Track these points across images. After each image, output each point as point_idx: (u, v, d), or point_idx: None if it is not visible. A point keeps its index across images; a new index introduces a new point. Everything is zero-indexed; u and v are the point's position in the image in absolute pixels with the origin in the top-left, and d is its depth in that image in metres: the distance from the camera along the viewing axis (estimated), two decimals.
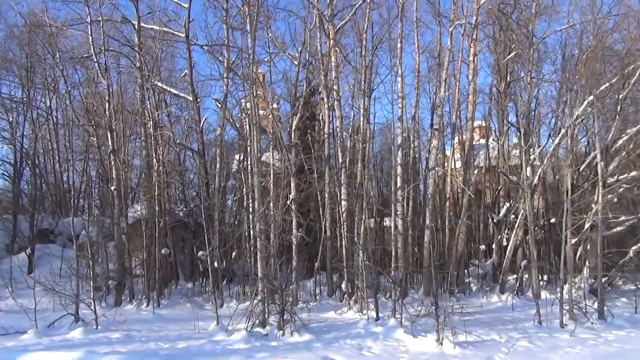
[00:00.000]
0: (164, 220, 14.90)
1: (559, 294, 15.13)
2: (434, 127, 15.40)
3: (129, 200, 18.08)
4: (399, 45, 15.23)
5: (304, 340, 7.27)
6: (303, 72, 18.90)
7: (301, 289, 15.36)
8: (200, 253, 16.28)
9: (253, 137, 8.94)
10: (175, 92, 20.61)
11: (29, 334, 8.02)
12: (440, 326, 6.95)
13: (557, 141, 14.89)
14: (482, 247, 19.46)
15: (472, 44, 15.97)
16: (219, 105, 20.48)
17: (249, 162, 12.07)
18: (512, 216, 18.92)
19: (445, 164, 19.25)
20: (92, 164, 24.03)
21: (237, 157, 22.47)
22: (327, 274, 15.46)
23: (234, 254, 16.84)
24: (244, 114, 21.45)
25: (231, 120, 18.37)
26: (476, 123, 18.88)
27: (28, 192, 22.19)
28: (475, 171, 16.54)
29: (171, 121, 20.92)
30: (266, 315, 8.05)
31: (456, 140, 20.08)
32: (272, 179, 14.31)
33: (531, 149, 15.39)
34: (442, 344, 6.83)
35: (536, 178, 15.29)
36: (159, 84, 18.31)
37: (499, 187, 20.68)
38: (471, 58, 16.04)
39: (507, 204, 19.01)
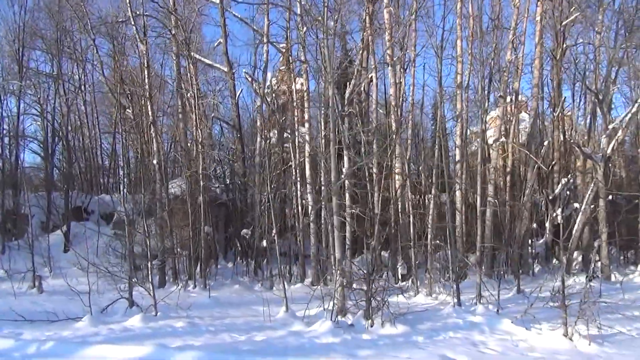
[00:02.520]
0: (204, 196, 14.00)
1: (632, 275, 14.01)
2: (498, 94, 14.08)
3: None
4: (459, 4, 13.81)
5: (400, 332, 6.28)
6: (339, 41, 17.65)
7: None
8: (243, 231, 15.47)
9: (328, 95, 7.80)
10: (209, 62, 19.59)
11: (83, 321, 7.21)
12: (575, 318, 5.88)
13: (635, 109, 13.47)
14: (534, 225, 18.23)
15: (539, 2, 14.50)
16: (249, 79, 19.41)
17: (327, 127, 10.84)
18: (568, 192, 17.60)
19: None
20: (120, 138, 23.37)
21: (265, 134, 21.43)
22: (376, 254, 14.47)
23: (273, 232, 15.90)
24: (275, 86, 20.33)
25: (262, 94, 17.20)
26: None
27: (60, 168, 21.64)
28: (546, 142, 15.18)
29: (200, 94, 19.95)
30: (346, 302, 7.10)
31: (495, 113, 18.44)
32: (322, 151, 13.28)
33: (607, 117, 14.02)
34: (572, 340, 5.78)
35: (609, 149, 13.95)
36: (193, 54, 17.22)
37: (553, 162, 19.30)
38: (538, 18, 14.56)
39: (564, 180, 17.68)
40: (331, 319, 6.65)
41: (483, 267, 14.17)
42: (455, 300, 8.41)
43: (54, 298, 10.30)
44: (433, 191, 10.79)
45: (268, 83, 17.38)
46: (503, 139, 14.02)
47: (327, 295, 7.72)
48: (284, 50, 17.67)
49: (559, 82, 18.17)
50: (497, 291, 7.81)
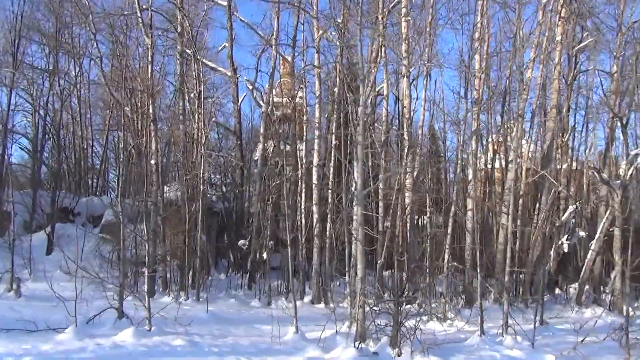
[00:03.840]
0: (201, 202, 13.19)
1: None
2: (517, 112, 13.52)
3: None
4: (479, 18, 13.31)
5: None
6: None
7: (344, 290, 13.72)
8: (240, 242, 14.63)
9: (365, 93, 7.08)
10: (213, 65, 18.94)
11: (67, 333, 6.32)
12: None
13: None
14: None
15: (559, 22, 14.10)
16: (250, 88, 18.84)
17: (351, 127, 10.10)
18: (573, 220, 17.08)
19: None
20: (115, 137, 22.55)
21: (260, 146, 20.73)
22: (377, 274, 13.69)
23: (270, 244, 15.09)
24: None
25: (268, 100, 16.50)
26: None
27: (48, 166, 20.68)
28: (565, 165, 14.65)
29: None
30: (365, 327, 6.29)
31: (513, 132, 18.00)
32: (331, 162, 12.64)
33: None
34: None
35: (628, 175, 13.45)
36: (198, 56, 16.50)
37: (558, 189, 18.79)
38: (558, 38, 14.15)
39: (572, 207, 17.15)
40: (354, 346, 5.83)
41: (493, 294, 13.51)
42: (479, 329, 7.64)
43: (34, 304, 9.37)
44: (453, 209, 10.07)
45: (265, 96, 16.75)
46: (519, 159, 13.44)
47: (341, 317, 6.97)
48: (289, 57, 17.12)
49: (568, 108, 17.78)
50: (534, 322, 7.08)
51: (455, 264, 9.61)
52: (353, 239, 6.86)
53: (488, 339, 7.30)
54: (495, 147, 16.39)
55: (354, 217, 6.64)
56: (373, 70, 13.79)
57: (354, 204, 6.64)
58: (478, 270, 8.01)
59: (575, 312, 11.92)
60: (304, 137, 13.76)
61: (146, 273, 7.49)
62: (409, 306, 11.30)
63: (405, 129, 13.11)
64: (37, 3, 19.11)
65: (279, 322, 7.29)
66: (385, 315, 6.23)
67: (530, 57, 13.38)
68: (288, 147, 16.61)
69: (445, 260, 9.72)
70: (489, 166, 17.58)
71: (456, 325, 9.08)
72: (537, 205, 14.37)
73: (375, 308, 6.31)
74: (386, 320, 6.42)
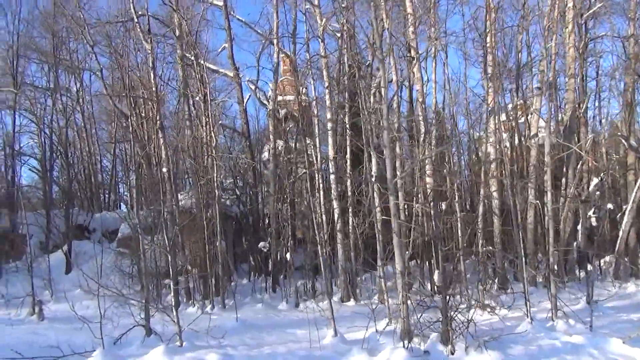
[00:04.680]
0: (217, 208, 12.83)
1: None
2: (536, 85, 12.99)
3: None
4: None
5: None
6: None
7: (368, 282, 13.31)
8: (261, 244, 14.25)
9: (385, 74, 6.65)
10: (215, 67, 18.56)
11: (94, 357, 5.97)
12: None
13: None
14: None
15: None
16: (253, 88, 18.44)
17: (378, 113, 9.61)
18: (598, 192, 16.51)
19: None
20: (123, 149, 22.27)
21: (270, 145, 20.30)
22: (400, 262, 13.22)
23: (290, 243, 14.72)
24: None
25: (274, 97, 16.05)
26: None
27: (59, 185, 20.46)
28: (590, 136, 14.11)
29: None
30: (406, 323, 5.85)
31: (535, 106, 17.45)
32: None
33: None
34: None
35: None
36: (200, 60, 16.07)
37: (581, 162, 18.18)
38: (570, 4, 13.56)
39: (595, 179, 16.54)
40: (403, 346, 5.41)
41: (527, 275, 12.99)
42: (528, 315, 7.17)
43: (57, 326, 9.09)
44: (482, 191, 9.58)
45: (271, 93, 16.31)
46: (542, 134, 12.91)
47: (378, 314, 6.57)
48: (290, 53, 16.69)
49: (582, 77, 17.17)
50: (589, 303, 6.61)
51: (490, 248, 9.12)
52: (378, 231, 6.39)
53: (538, 325, 6.83)
54: (513, 124, 15.85)
55: (377, 209, 6.18)
56: (385, 54, 13.36)
57: (374, 194, 6.18)
58: (522, 253, 7.52)
59: (617, 287, 11.38)
60: (317, 132, 13.28)
61: (172, 285, 7.09)
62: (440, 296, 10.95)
63: (420, 113, 12.64)
64: (32, 21, 18.94)
65: (315, 325, 6.88)
66: (427, 309, 5.79)
67: (544, 25, 12.80)
68: (299, 144, 16.22)
69: (480, 245, 9.24)
70: (507, 144, 17.07)
71: (499, 312, 8.60)
72: (564, 180, 13.82)
73: (421, 303, 5.86)
74: (429, 315, 5.99)
